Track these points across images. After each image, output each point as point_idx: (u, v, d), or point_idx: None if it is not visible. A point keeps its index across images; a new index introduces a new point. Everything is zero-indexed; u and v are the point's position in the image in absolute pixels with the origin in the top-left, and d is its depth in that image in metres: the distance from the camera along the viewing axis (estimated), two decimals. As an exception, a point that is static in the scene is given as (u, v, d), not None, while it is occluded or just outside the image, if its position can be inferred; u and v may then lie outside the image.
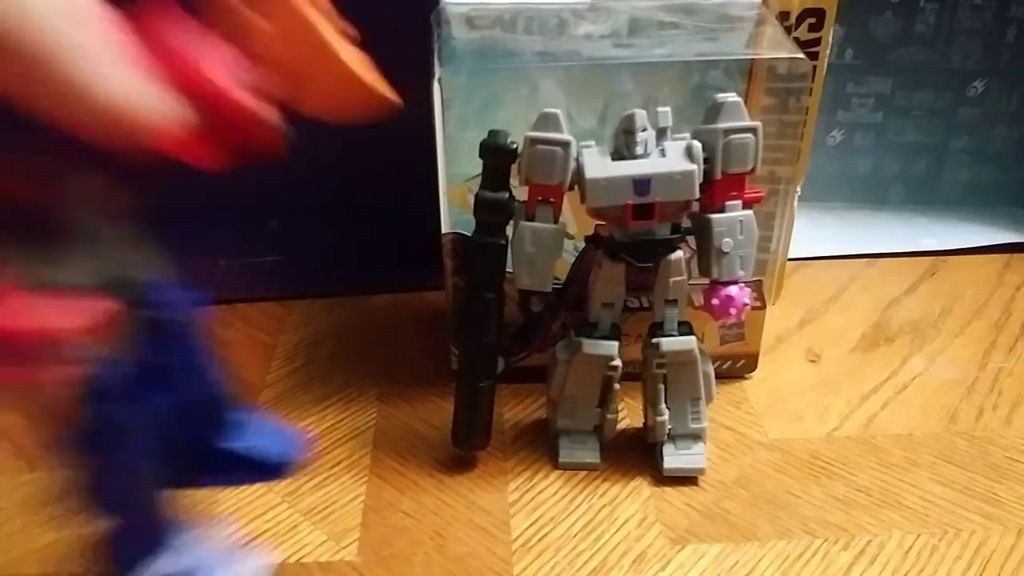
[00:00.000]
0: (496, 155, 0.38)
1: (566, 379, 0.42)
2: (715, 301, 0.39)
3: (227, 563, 0.31)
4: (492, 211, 0.39)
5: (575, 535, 0.40)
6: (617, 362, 0.41)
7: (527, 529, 0.40)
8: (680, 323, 0.41)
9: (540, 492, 0.42)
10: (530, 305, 0.40)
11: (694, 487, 0.42)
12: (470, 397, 0.42)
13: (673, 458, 0.42)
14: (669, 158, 0.37)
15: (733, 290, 0.39)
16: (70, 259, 0.25)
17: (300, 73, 0.25)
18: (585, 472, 0.43)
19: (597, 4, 0.44)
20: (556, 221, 0.39)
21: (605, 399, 0.42)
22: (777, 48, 0.41)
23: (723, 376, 0.49)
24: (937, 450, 0.44)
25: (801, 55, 0.41)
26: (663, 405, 0.41)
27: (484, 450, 0.44)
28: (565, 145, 0.37)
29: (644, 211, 0.37)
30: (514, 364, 0.48)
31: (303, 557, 0.39)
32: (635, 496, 0.42)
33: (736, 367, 0.49)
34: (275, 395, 0.49)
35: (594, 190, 0.37)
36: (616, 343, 0.41)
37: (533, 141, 0.37)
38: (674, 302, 0.40)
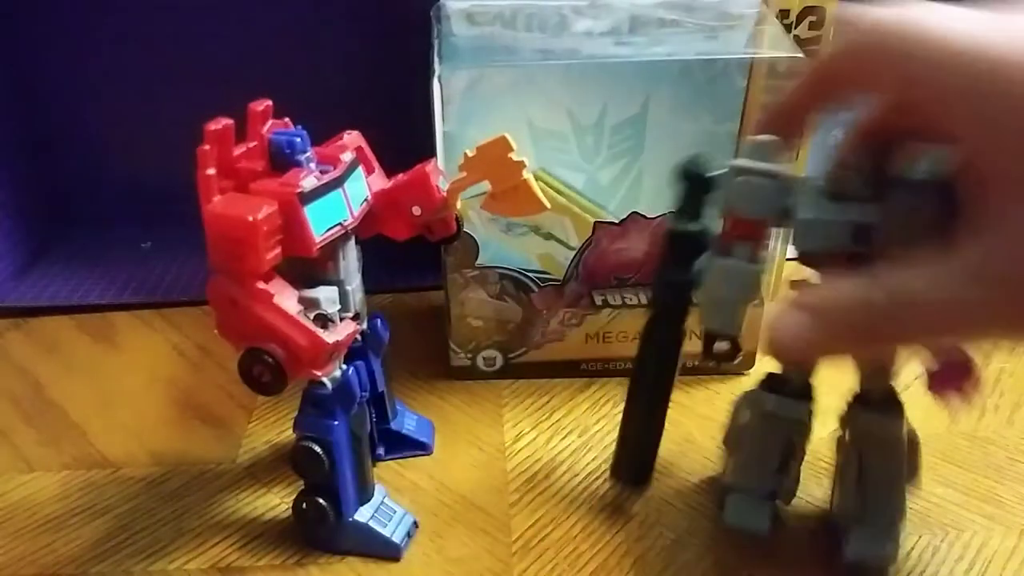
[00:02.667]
0: (694, 182, 0.34)
1: (745, 434, 0.38)
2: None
3: (400, 514, 0.40)
4: (684, 244, 0.35)
5: (575, 536, 0.40)
6: (806, 421, 0.37)
7: (527, 530, 0.40)
8: (886, 394, 0.36)
9: (540, 493, 0.42)
10: (711, 347, 0.35)
11: (695, 488, 0.42)
12: (644, 429, 0.40)
13: (859, 544, 0.37)
14: (897, 201, 0.30)
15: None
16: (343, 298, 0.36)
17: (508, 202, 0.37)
18: (586, 474, 0.43)
19: (597, 1, 0.44)
20: (755, 261, 0.34)
21: (786, 463, 0.38)
22: (777, 46, 0.41)
23: (721, 372, 0.49)
24: (939, 451, 0.44)
25: (801, 54, 0.40)
26: (853, 486, 0.37)
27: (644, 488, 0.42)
28: (775, 177, 0.32)
29: (860, 260, 0.30)
30: (513, 361, 0.48)
31: (302, 558, 0.39)
32: (636, 497, 0.42)
33: (734, 364, 0.49)
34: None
35: (804, 233, 0.32)
36: (808, 404, 0.37)
37: (739, 171, 0.32)
38: (883, 369, 0.36)
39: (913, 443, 0.37)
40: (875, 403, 0.36)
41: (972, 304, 0.25)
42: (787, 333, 0.28)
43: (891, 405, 0.36)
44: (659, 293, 0.38)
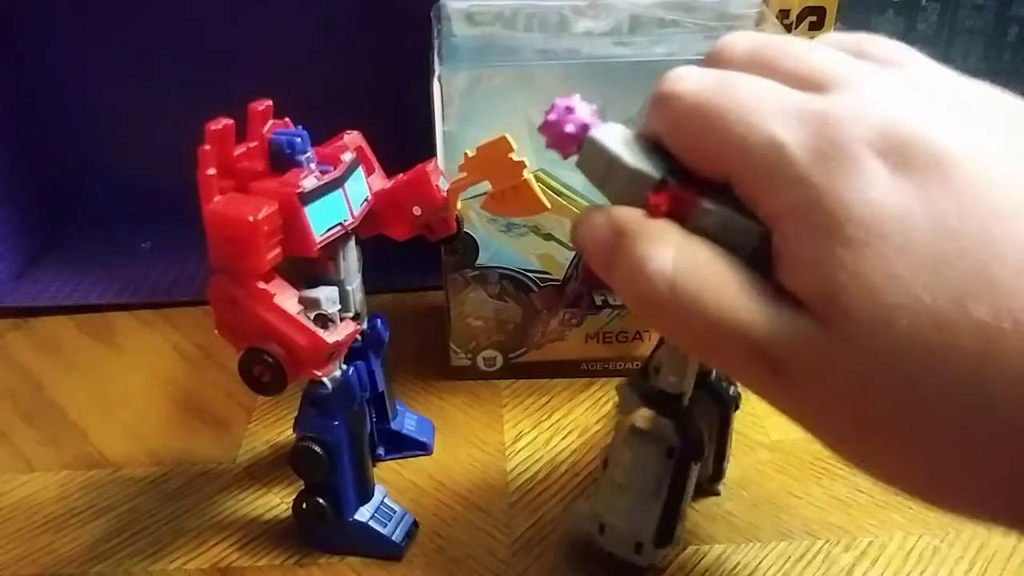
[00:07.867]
0: None
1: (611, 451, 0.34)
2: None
3: (400, 514, 0.40)
4: None
5: (576, 536, 0.40)
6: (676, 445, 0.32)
7: (527, 530, 0.40)
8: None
9: (540, 493, 0.42)
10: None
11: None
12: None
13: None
14: None
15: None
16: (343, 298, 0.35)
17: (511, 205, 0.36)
18: (586, 474, 0.43)
19: (597, 1, 0.44)
20: None
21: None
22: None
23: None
24: (939, 450, 0.44)
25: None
26: None
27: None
28: None
29: None
30: (513, 361, 0.48)
31: (302, 558, 0.39)
32: (635, 496, 0.42)
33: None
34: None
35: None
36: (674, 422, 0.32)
37: None
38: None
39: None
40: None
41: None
42: (586, 228, 0.27)
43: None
44: None
